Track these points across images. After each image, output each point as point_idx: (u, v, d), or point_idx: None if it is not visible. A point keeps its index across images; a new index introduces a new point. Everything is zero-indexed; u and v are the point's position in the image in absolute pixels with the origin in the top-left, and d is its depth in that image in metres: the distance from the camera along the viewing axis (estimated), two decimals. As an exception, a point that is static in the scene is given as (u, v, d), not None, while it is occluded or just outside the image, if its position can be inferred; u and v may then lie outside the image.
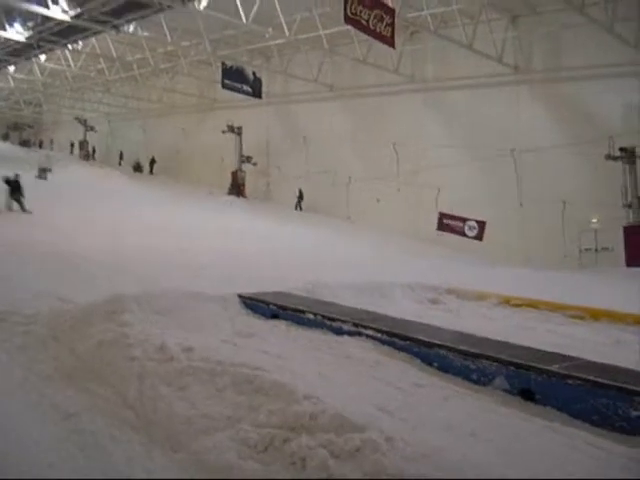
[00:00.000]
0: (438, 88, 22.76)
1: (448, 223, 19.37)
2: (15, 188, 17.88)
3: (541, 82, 20.12)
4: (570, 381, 4.03)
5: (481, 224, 18.94)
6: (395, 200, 22.68)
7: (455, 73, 22.05)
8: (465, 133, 21.39)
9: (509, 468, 2.97)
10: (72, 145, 46.15)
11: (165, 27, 23.94)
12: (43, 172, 28.30)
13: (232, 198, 28.52)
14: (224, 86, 23.60)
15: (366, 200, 23.81)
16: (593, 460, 3.27)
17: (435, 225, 19.81)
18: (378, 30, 16.99)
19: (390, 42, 17.55)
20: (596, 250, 17.72)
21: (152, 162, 37.69)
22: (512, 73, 20.74)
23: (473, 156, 20.42)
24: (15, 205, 17.78)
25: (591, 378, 3.98)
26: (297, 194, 27.91)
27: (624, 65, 17.61)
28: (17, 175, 17.98)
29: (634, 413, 3.69)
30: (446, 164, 21.05)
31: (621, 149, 17.95)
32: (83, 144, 42.20)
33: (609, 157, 17.91)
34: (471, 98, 21.50)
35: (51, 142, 51.82)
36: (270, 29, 22.79)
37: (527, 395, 4.16)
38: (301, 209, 27.96)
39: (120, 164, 40.01)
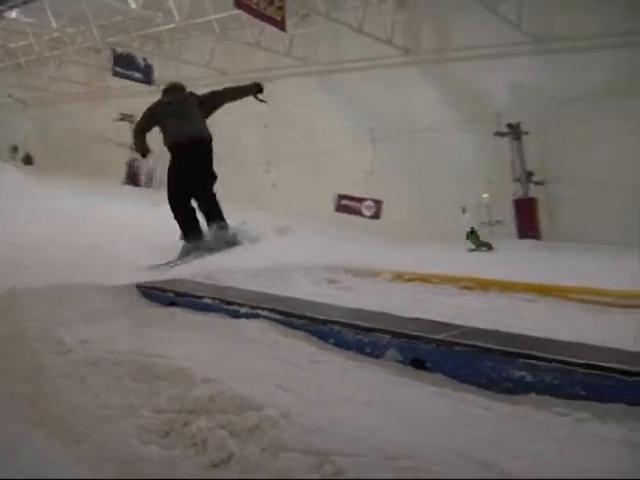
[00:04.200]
0: (331, 71, 22.91)
1: (346, 204, 19.66)
2: None
3: (430, 63, 20.56)
4: (458, 348, 4.24)
5: (378, 203, 19.32)
6: (293, 183, 22.74)
7: (347, 56, 22.24)
8: (359, 115, 21.64)
9: (403, 432, 3.12)
10: None
11: (49, 13, 23.11)
12: None
13: (128, 188, 27.91)
14: (115, 73, 23.09)
15: (265, 184, 23.77)
16: (481, 420, 3.47)
17: (333, 206, 20.06)
18: (269, 14, 17.01)
19: (281, 26, 17.62)
20: (490, 224, 18.34)
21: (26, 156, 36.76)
22: (402, 55, 21.12)
23: (368, 137, 20.73)
24: None
25: (477, 344, 4.20)
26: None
27: (508, 45, 18.26)
28: None
29: (517, 374, 3.92)
30: (341, 146, 21.32)
31: (508, 125, 18.70)
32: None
33: (497, 134, 18.63)
34: (364, 80, 21.72)
35: None
36: (159, 14, 22.39)
37: (418, 364, 4.34)
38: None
39: None
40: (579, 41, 16.97)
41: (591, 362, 3.75)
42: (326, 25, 22.01)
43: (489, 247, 16.43)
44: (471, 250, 16.29)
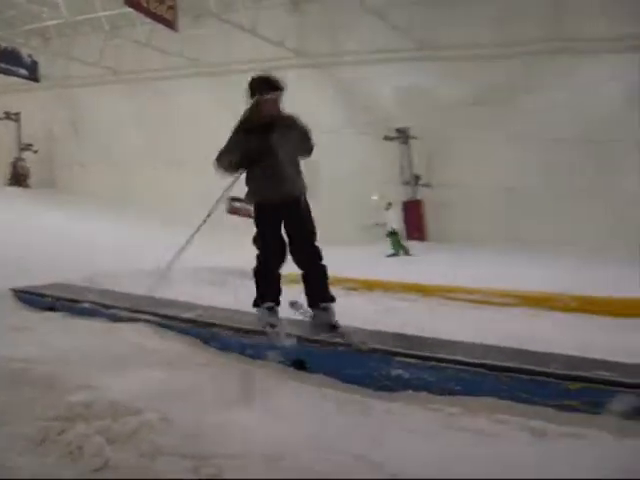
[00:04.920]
0: (223, 72, 22.76)
1: (238, 206, 19.44)
2: None
3: (322, 66, 20.80)
4: (337, 348, 4.32)
5: (271, 205, 19.27)
6: (185, 185, 22.44)
7: (240, 57, 22.14)
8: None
9: (283, 432, 3.18)
10: None
11: None
12: None
13: (12, 189, 26.74)
14: (-4, 69, 22.12)
15: (155, 185, 23.38)
16: (358, 417, 3.56)
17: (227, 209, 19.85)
18: (159, 13, 16.76)
19: (172, 25, 17.39)
20: (378, 225, 18.53)
21: None
22: (294, 57, 21.25)
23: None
24: None
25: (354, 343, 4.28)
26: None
27: (396, 51, 18.73)
28: None
29: (394, 372, 4.04)
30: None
31: (397, 130, 19.14)
32: None
33: (386, 138, 19.01)
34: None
35: None
36: (46, 9, 21.68)
37: (299, 365, 4.39)
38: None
39: None
40: (464, 50, 17.59)
41: (463, 359, 3.90)
42: (219, 26, 21.85)
43: (407, 252, 15.87)
44: (390, 256, 15.48)
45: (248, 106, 4.83)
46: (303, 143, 4.93)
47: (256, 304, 4.90)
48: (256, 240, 5.07)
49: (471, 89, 17.36)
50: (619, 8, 15.00)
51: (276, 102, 4.86)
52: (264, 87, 4.81)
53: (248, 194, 5.13)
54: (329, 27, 20.84)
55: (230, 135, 4.94)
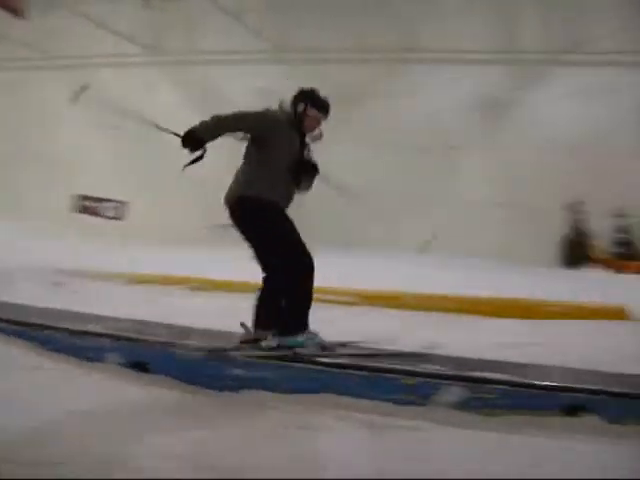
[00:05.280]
0: (76, 66, 21.96)
1: (87, 205, 18.81)
2: None
3: (176, 64, 20.52)
4: (178, 349, 4.29)
5: (123, 204, 18.76)
6: (32, 182, 21.43)
7: (92, 51, 21.46)
8: (104, 114, 20.93)
9: (122, 435, 3.19)
10: None
11: None
12: None
13: None
14: None
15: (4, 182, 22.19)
16: (201, 419, 3.59)
17: (76, 208, 19.16)
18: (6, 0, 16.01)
19: (19, 13, 16.66)
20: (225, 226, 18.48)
21: None
22: (147, 54, 20.87)
23: (115, 137, 20.11)
24: None
25: (195, 344, 4.29)
26: None
27: (250, 52, 18.84)
28: None
29: (235, 372, 4.06)
30: (89, 145, 20.56)
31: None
32: None
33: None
34: (108, 77, 21.08)
35: None
36: None
37: (140, 367, 4.32)
38: None
39: None
40: (320, 53, 17.94)
41: (301, 357, 4.01)
42: (70, 18, 21.03)
43: None
44: None
45: (289, 107, 4.84)
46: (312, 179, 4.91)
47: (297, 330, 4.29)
48: (289, 250, 4.69)
49: (325, 92, 17.72)
50: (476, 24, 15.86)
51: (318, 124, 4.86)
52: (317, 104, 4.88)
53: (269, 193, 4.68)
54: (184, 24, 20.62)
55: (258, 114, 4.65)
